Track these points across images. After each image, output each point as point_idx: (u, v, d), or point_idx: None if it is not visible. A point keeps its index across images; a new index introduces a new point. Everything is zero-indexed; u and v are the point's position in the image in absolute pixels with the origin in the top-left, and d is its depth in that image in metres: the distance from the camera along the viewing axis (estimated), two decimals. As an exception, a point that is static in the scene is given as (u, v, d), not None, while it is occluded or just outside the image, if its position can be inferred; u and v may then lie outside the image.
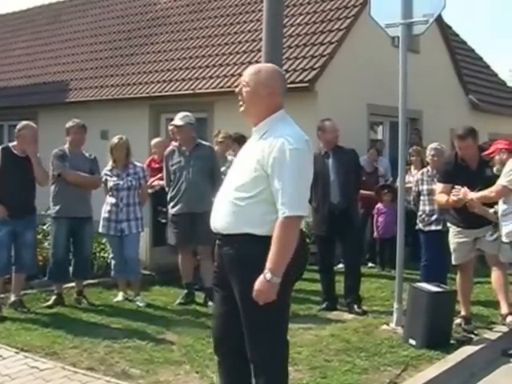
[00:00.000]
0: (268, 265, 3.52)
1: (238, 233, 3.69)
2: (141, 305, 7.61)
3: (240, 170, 3.79)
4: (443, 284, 6.79)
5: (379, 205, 10.45)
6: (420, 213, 8.03)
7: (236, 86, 4.00)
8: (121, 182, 7.70)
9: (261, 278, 3.53)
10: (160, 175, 8.66)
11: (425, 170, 8.24)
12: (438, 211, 7.65)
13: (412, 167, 9.86)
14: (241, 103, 3.83)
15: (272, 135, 3.66)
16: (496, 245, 6.63)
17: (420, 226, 8.04)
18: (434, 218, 7.84)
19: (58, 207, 7.55)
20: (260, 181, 3.64)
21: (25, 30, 20.04)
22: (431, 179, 7.80)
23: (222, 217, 3.77)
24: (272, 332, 3.73)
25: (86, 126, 7.78)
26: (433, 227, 7.86)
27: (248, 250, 3.65)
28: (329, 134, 7.56)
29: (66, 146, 7.70)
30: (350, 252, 7.74)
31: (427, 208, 7.91)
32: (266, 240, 3.57)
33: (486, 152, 7.17)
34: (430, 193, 7.69)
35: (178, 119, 7.75)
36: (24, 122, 7.41)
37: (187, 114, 7.84)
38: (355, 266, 7.69)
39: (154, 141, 10.42)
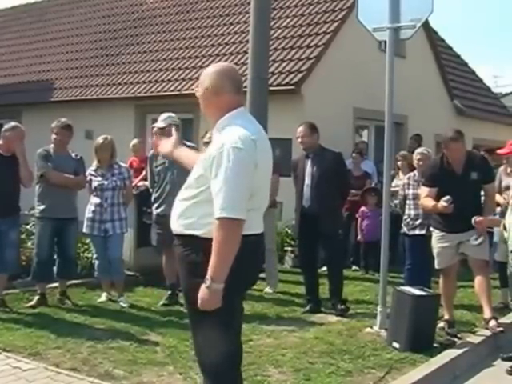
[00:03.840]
0: (208, 271, 3.39)
1: (183, 234, 3.64)
2: (124, 305, 7.58)
3: (192, 170, 3.75)
4: (427, 288, 6.81)
5: (364, 208, 10.46)
6: (405, 217, 8.03)
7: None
8: (105, 182, 7.66)
9: (202, 285, 3.42)
10: (143, 175, 8.63)
11: (411, 174, 8.24)
12: (423, 216, 7.67)
13: (400, 172, 9.89)
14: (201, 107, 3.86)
15: (220, 135, 3.61)
16: (480, 249, 6.65)
17: (405, 229, 8.04)
18: (418, 222, 7.84)
19: (42, 207, 7.50)
20: (202, 181, 3.56)
21: (10, 29, 19.98)
22: (417, 184, 7.78)
23: (173, 216, 3.73)
24: (207, 338, 3.61)
25: (71, 126, 7.73)
26: (417, 231, 7.86)
27: (189, 251, 3.59)
28: (299, 138, 7.59)
29: (51, 145, 7.64)
30: (328, 256, 7.77)
31: (412, 212, 7.91)
32: (206, 242, 3.44)
33: (502, 151, 7.20)
34: (416, 197, 7.67)
35: (161, 121, 7.57)
36: (12, 123, 7.38)
37: (170, 114, 7.69)
38: (335, 270, 7.68)
39: (133, 142, 10.80)
